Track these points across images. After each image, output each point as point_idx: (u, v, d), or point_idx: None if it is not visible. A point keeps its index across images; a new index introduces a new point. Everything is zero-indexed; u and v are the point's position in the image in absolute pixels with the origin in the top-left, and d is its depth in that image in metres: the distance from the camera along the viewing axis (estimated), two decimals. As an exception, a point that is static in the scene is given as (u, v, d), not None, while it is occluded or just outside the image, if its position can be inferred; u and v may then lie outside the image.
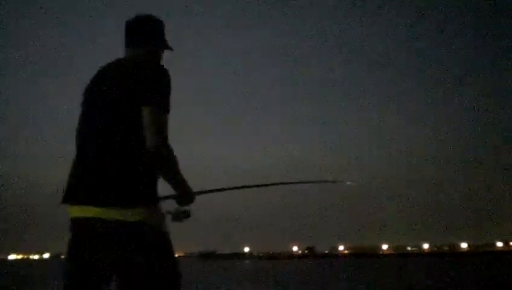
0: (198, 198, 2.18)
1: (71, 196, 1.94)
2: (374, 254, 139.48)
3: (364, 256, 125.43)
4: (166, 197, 2.09)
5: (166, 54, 2.31)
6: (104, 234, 1.83)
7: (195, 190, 2.14)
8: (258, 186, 2.55)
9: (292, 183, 2.68)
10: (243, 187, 2.49)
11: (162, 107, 1.92)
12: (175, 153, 1.95)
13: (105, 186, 1.84)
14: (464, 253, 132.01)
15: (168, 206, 2.13)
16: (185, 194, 2.07)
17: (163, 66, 2.04)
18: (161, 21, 2.26)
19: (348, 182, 2.99)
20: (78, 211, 1.89)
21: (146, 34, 2.19)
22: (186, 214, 2.18)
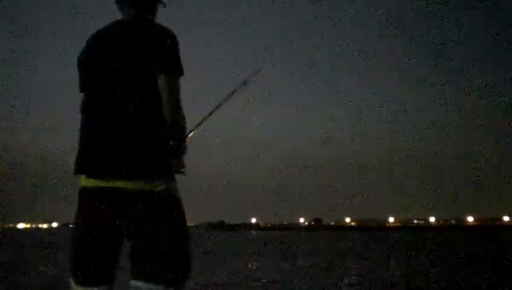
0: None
1: (89, 167, 1.88)
2: (381, 227, 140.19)
3: (370, 229, 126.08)
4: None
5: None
6: (121, 201, 1.81)
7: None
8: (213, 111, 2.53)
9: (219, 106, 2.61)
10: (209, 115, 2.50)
11: (177, 71, 1.90)
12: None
13: (129, 158, 1.81)
14: (470, 227, 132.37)
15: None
16: (182, 147, 2.02)
17: (168, 27, 1.97)
18: None
19: (257, 72, 2.81)
20: (97, 183, 1.86)
21: None
22: (181, 164, 2.09)
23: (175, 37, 1.94)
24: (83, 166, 1.89)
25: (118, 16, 2.09)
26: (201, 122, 2.47)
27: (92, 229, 1.86)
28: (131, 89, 1.86)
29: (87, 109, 1.97)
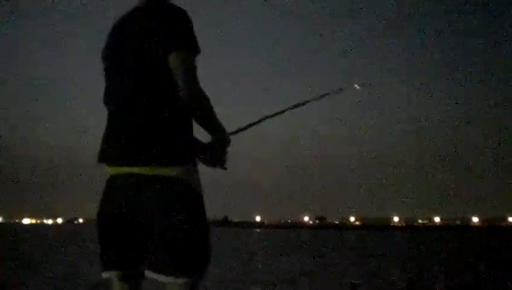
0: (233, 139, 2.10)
1: (107, 155, 1.90)
2: (385, 226, 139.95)
3: (375, 228, 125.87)
4: (208, 144, 1.99)
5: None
6: (139, 187, 1.80)
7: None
8: (276, 114, 2.41)
9: (304, 104, 2.54)
10: (265, 118, 2.37)
11: (191, 48, 1.85)
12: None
13: (141, 145, 1.79)
14: (475, 227, 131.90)
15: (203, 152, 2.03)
16: (223, 137, 1.99)
17: (177, 6, 1.92)
18: None
19: (357, 86, 2.75)
20: (116, 170, 1.87)
21: None
22: (224, 158, 2.04)
23: (187, 14, 1.89)
24: (101, 155, 1.92)
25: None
26: (260, 121, 2.36)
27: (113, 215, 1.86)
28: (143, 75, 1.84)
29: (106, 99, 1.99)
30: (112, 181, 1.90)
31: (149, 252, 1.80)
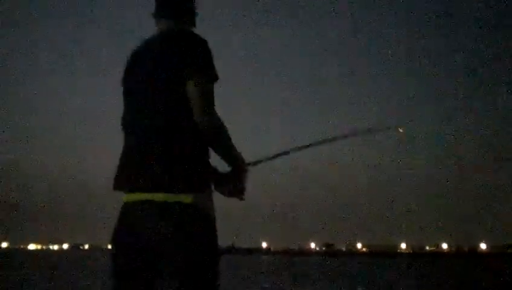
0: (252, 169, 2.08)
1: (122, 182, 1.89)
2: (393, 253, 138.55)
3: (382, 255, 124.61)
4: (224, 175, 1.98)
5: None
6: (153, 214, 1.77)
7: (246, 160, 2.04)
8: (307, 146, 2.34)
9: (344, 137, 2.44)
10: (297, 149, 2.31)
11: (208, 75, 1.84)
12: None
13: (157, 172, 1.78)
14: (483, 253, 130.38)
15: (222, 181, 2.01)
16: (240, 167, 1.98)
17: (198, 35, 1.93)
18: None
19: (400, 129, 2.66)
20: (131, 197, 1.85)
21: (177, 4, 2.07)
22: (242, 188, 2.01)
23: (205, 42, 1.89)
24: (117, 181, 1.91)
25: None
26: (284, 153, 2.29)
27: (127, 242, 1.84)
28: (159, 102, 1.84)
29: (123, 124, 1.98)
30: (126, 207, 1.88)
31: (161, 277, 1.79)
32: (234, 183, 1.99)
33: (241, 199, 2.03)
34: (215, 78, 1.86)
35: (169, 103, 1.83)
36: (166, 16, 2.05)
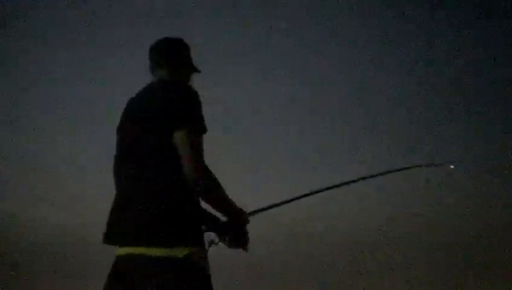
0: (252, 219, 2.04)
1: (112, 236, 1.86)
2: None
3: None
4: (223, 225, 1.96)
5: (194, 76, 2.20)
6: (145, 269, 1.72)
7: (247, 209, 2.02)
8: (328, 189, 2.29)
9: (376, 175, 2.39)
10: (311, 194, 2.28)
11: (196, 127, 1.81)
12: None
13: (146, 226, 1.74)
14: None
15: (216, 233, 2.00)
16: (238, 218, 1.95)
17: (189, 85, 1.95)
18: (181, 40, 2.16)
19: (452, 166, 2.62)
20: (122, 251, 1.81)
21: (167, 53, 2.09)
22: (245, 239, 1.99)
23: (196, 95, 1.88)
24: (106, 235, 1.87)
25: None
26: (282, 203, 2.25)
27: None
28: (146, 154, 1.81)
29: (114, 172, 1.95)
30: (118, 262, 1.84)
31: None
32: (237, 234, 1.95)
33: (246, 249, 1.98)
34: (203, 129, 1.82)
35: (157, 154, 1.79)
36: (156, 68, 2.06)
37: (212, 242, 1.99)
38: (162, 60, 2.06)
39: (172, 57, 2.08)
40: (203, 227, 1.91)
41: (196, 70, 2.15)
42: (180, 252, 1.71)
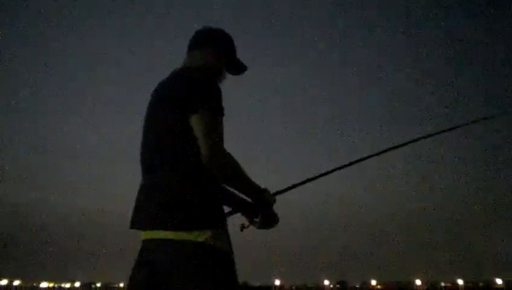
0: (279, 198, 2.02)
1: (137, 221, 1.88)
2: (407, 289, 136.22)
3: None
4: (244, 209, 1.97)
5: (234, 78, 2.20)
6: (169, 253, 1.75)
7: (272, 189, 2.01)
8: (358, 161, 2.34)
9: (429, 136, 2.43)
10: (339, 168, 2.28)
11: (213, 109, 1.79)
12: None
13: (169, 210, 1.75)
14: (499, 289, 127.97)
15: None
16: (264, 199, 1.94)
17: (210, 76, 1.90)
18: (227, 33, 2.15)
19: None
20: (146, 235, 1.84)
21: (205, 37, 2.10)
22: (275, 219, 1.96)
23: (215, 82, 1.88)
24: (132, 220, 1.90)
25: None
26: (302, 183, 2.23)
27: (142, 281, 1.82)
28: (165, 138, 1.83)
29: (140, 161, 1.97)
30: (143, 246, 1.87)
31: None
32: (266, 214, 1.96)
33: (273, 226, 2.01)
34: (220, 111, 1.81)
35: (176, 138, 1.81)
36: (190, 49, 2.11)
37: (243, 226, 2.03)
38: (199, 41, 2.10)
39: (208, 40, 2.10)
40: (229, 210, 1.95)
41: (234, 61, 2.16)
42: (199, 236, 1.72)
